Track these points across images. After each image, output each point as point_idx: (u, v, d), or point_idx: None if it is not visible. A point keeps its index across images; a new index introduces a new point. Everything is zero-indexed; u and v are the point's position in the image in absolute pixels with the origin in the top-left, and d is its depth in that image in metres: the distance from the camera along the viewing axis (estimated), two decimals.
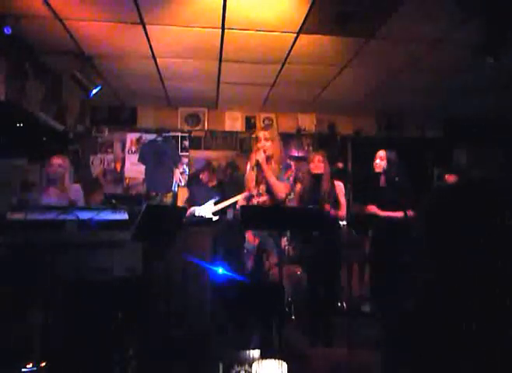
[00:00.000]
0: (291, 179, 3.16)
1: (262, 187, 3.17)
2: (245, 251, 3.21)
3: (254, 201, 3.18)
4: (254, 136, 3.28)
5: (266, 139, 3.15)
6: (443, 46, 4.09)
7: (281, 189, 3.06)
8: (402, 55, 4.37)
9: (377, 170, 3.72)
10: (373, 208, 3.63)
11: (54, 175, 3.56)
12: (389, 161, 3.66)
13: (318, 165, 3.64)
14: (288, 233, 3.46)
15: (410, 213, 3.47)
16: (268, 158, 3.14)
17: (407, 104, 6.12)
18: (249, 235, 3.21)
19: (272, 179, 3.05)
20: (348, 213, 3.98)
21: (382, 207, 3.64)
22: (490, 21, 3.30)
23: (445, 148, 6.54)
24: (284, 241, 3.21)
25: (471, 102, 5.83)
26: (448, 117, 6.68)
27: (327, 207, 3.51)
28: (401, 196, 3.52)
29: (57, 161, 3.59)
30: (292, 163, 3.29)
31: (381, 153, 3.71)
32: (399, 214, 3.51)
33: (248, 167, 3.23)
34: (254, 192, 3.21)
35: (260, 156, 3.08)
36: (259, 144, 3.14)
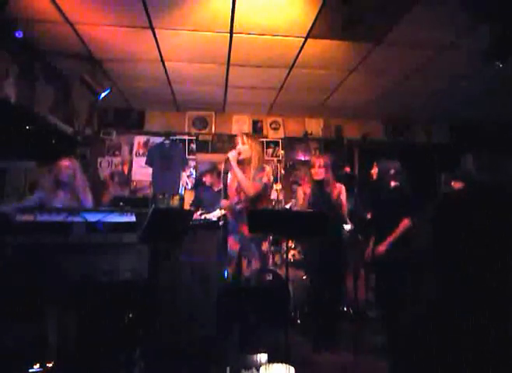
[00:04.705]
0: (263, 180, 3.18)
1: (242, 194, 3.23)
2: (228, 257, 3.24)
3: (237, 208, 3.24)
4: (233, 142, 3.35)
5: (243, 143, 3.23)
6: (451, 51, 4.08)
7: (248, 186, 3.13)
8: (410, 60, 4.36)
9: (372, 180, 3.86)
10: (382, 247, 3.58)
11: (63, 178, 3.45)
12: (381, 170, 3.74)
13: (319, 170, 3.62)
14: (270, 237, 3.45)
15: (415, 219, 3.50)
16: (243, 162, 3.20)
17: (414, 109, 6.10)
18: (230, 241, 3.24)
19: (240, 176, 3.13)
20: (354, 217, 3.98)
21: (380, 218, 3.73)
22: (498, 25, 3.29)
23: (452, 153, 6.50)
24: (265, 245, 3.19)
25: (478, 108, 5.80)
26: (455, 123, 6.66)
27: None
28: (400, 205, 3.56)
29: (65, 163, 3.49)
30: (266, 166, 3.29)
31: (375, 164, 3.83)
32: (404, 224, 3.54)
33: (229, 176, 3.29)
34: (235, 200, 3.27)
35: (231, 154, 3.15)
36: (236, 147, 3.22)
